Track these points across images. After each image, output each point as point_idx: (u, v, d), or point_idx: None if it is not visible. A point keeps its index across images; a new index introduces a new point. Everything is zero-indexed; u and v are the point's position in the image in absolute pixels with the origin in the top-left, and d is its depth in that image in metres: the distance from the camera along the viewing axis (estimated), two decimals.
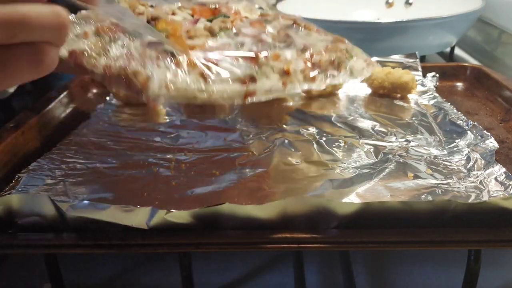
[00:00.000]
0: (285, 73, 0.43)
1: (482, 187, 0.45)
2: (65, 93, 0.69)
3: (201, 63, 0.40)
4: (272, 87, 0.43)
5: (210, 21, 0.48)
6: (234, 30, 0.46)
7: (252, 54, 0.43)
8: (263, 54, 0.43)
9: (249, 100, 0.41)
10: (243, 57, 0.42)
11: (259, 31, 0.46)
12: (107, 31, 0.42)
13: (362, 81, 0.72)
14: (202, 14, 0.49)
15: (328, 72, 0.46)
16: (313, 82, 0.45)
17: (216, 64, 0.41)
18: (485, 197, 0.43)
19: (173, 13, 0.48)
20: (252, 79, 0.41)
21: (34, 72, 0.31)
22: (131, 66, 0.38)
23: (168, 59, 0.40)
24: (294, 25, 0.50)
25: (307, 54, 0.46)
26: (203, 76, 0.40)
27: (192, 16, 0.49)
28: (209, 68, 0.40)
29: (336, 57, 0.47)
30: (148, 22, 0.45)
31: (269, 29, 0.47)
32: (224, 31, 0.46)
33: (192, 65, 0.40)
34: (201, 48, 0.42)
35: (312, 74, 0.45)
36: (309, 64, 0.45)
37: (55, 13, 0.30)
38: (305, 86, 0.45)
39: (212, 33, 0.45)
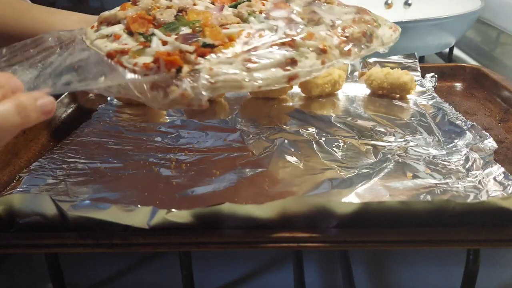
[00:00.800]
0: (322, 51, 0.44)
1: (480, 187, 0.45)
2: (66, 93, 0.69)
3: (242, 51, 0.41)
4: (312, 66, 0.43)
5: (234, 6, 0.48)
6: (263, 14, 0.46)
7: (287, 38, 0.43)
8: (298, 36, 0.44)
9: (293, 82, 0.42)
10: (280, 41, 0.43)
11: (288, 12, 0.46)
12: (141, 26, 0.43)
13: (361, 82, 0.73)
14: (224, 1, 0.49)
15: (361, 44, 0.47)
16: (348, 55, 0.46)
17: (256, 52, 0.41)
18: (484, 197, 0.44)
19: (194, 4, 0.48)
20: (293, 61, 0.42)
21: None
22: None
23: (208, 53, 0.40)
24: (316, 0, 0.50)
25: (339, 29, 0.46)
26: (246, 65, 0.40)
27: (213, 4, 0.49)
28: (250, 56, 0.41)
29: (367, 28, 0.48)
30: (177, 14, 0.45)
31: (295, 8, 0.47)
32: (254, 16, 0.46)
33: (234, 55, 0.41)
34: (238, 36, 0.43)
35: (346, 48, 0.46)
36: (343, 38, 0.46)
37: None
38: (342, 61, 0.46)
39: (242, 19, 0.45)
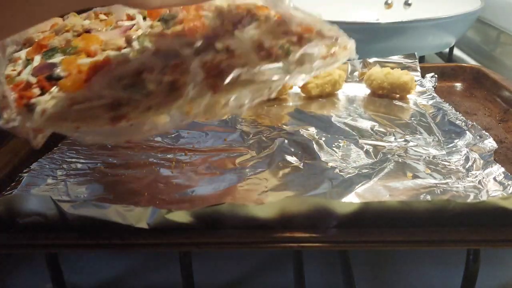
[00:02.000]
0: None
1: (480, 186, 0.45)
2: None
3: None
4: None
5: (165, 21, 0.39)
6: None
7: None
8: None
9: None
10: None
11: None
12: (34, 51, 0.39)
13: (361, 82, 0.73)
14: (152, 16, 0.42)
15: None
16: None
17: None
18: (484, 197, 0.44)
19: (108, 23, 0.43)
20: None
21: None
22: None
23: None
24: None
25: None
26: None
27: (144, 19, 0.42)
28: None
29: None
30: (79, 35, 0.41)
31: None
32: (140, 41, 0.38)
33: None
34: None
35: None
36: None
37: None
38: None
39: (128, 43, 0.38)
